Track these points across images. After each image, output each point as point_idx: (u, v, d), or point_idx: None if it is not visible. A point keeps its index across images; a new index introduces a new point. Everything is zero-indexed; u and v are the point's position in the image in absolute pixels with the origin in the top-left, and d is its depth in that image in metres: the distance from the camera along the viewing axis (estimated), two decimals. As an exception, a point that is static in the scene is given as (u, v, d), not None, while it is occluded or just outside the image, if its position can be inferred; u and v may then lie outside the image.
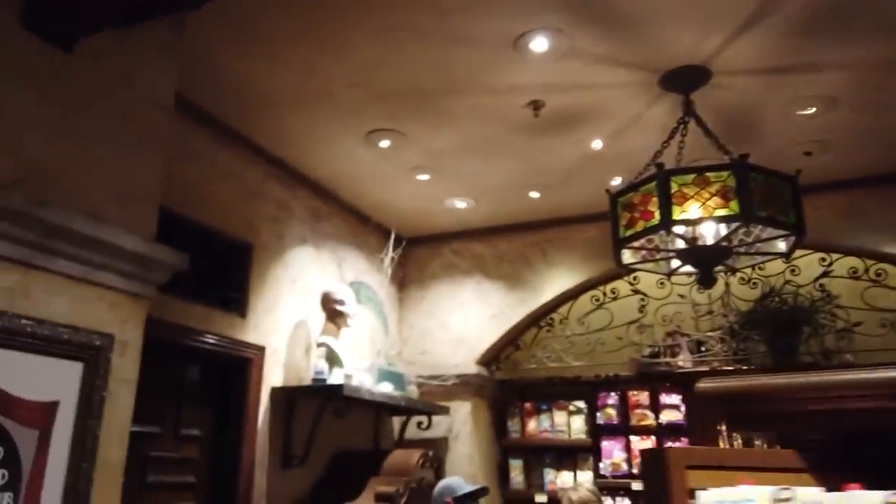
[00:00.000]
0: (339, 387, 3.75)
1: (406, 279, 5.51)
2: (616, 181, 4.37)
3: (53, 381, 2.09)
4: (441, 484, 3.65)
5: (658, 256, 3.29)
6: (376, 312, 5.09)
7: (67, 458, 2.09)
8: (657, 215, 2.74)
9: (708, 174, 2.68)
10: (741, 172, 2.64)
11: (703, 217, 2.66)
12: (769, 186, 2.70)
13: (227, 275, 3.77)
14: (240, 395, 3.75)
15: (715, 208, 2.64)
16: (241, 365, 3.77)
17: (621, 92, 3.40)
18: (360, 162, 4.21)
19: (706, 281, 2.88)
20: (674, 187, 2.72)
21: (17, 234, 1.99)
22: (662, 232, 3.08)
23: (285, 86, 3.40)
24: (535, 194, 4.66)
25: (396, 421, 5.14)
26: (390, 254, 4.82)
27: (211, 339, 3.54)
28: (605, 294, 5.02)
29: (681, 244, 3.03)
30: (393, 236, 4.86)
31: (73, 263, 2.16)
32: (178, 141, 3.44)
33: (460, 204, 4.87)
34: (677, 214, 2.68)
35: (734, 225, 2.79)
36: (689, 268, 3.16)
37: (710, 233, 3.02)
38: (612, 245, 3.03)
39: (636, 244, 3.14)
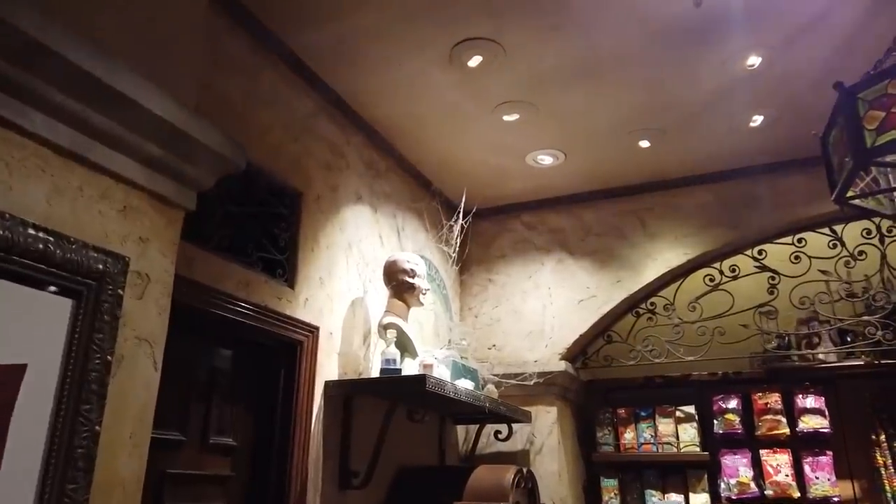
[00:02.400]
0: (420, 378, 2.78)
1: (468, 259, 4.56)
2: (755, 121, 3.47)
3: (16, 328, 1.13)
4: None
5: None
6: (440, 296, 4.14)
7: (40, 471, 1.13)
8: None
9: None
10: None
11: None
12: None
13: (272, 229, 2.82)
14: (288, 389, 2.78)
15: None
16: (289, 349, 2.81)
17: (821, -32, 2.49)
18: (435, 94, 3.27)
19: None
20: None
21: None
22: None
23: (357, -36, 2.48)
24: (644, 143, 3.72)
25: (461, 430, 4.18)
26: (460, 222, 3.86)
27: (251, 312, 2.58)
28: (721, 273, 4.07)
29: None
30: (463, 203, 3.90)
31: (58, 123, 1.22)
32: (210, 42, 2.52)
33: (546, 159, 3.93)
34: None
35: None
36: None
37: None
38: (853, 160, 2.08)
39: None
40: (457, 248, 3.90)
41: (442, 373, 3.14)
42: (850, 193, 2.34)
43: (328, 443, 2.91)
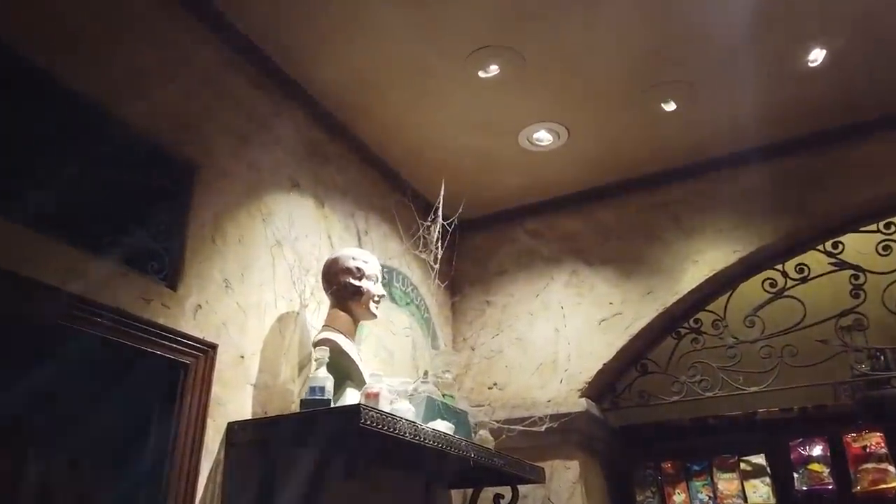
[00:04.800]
0: (352, 411, 1.89)
1: (460, 279, 3.69)
2: (815, 59, 2.61)
3: None
4: None
5: None
6: (418, 318, 3.26)
7: None
8: None
9: None
10: None
11: None
12: None
13: (146, 205, 2.03)
14: (163, 433, 1.91)
15: None
16: (166, 376, 1.96)
17: None
18: (383, 33, 2.51)
19: None
20: None
21: None
22: None
23: None
24: (669, 105, 2.87)
25: (456, 497, 3.21)
26: (440, 221, 2.99)
27: (90, 316, 1.76)
28: (786, 275, 3.12)
29: None
30: (441, 196, 3.05)
31: None
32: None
33: (545, 137, 3.10)
34: None
35: None
36: None
37: None
38: None
39: None
40: (439, 255, 3.02)
41: (405, 410, 2.23)
42: None
43: (232, 514, 2.01)
